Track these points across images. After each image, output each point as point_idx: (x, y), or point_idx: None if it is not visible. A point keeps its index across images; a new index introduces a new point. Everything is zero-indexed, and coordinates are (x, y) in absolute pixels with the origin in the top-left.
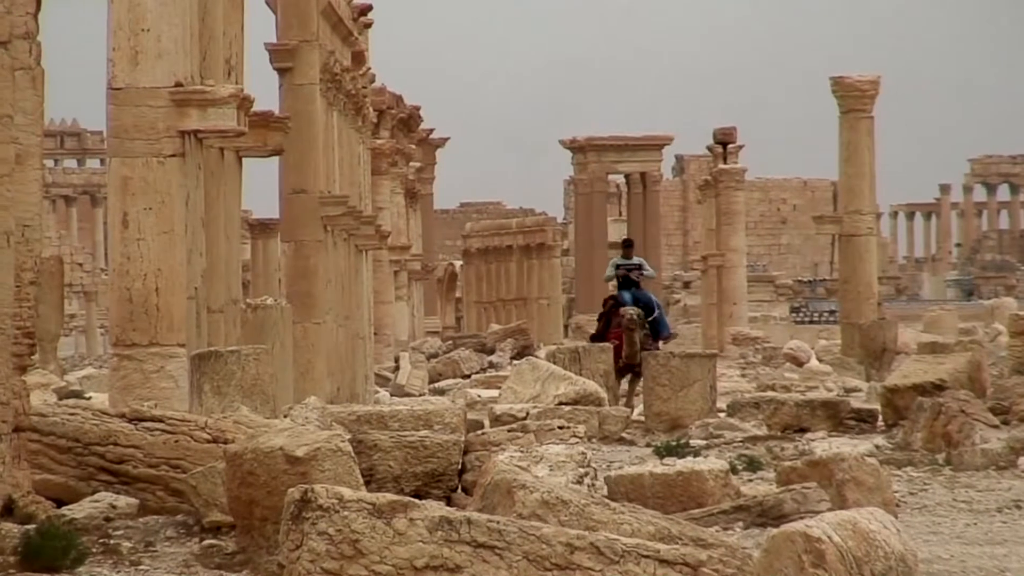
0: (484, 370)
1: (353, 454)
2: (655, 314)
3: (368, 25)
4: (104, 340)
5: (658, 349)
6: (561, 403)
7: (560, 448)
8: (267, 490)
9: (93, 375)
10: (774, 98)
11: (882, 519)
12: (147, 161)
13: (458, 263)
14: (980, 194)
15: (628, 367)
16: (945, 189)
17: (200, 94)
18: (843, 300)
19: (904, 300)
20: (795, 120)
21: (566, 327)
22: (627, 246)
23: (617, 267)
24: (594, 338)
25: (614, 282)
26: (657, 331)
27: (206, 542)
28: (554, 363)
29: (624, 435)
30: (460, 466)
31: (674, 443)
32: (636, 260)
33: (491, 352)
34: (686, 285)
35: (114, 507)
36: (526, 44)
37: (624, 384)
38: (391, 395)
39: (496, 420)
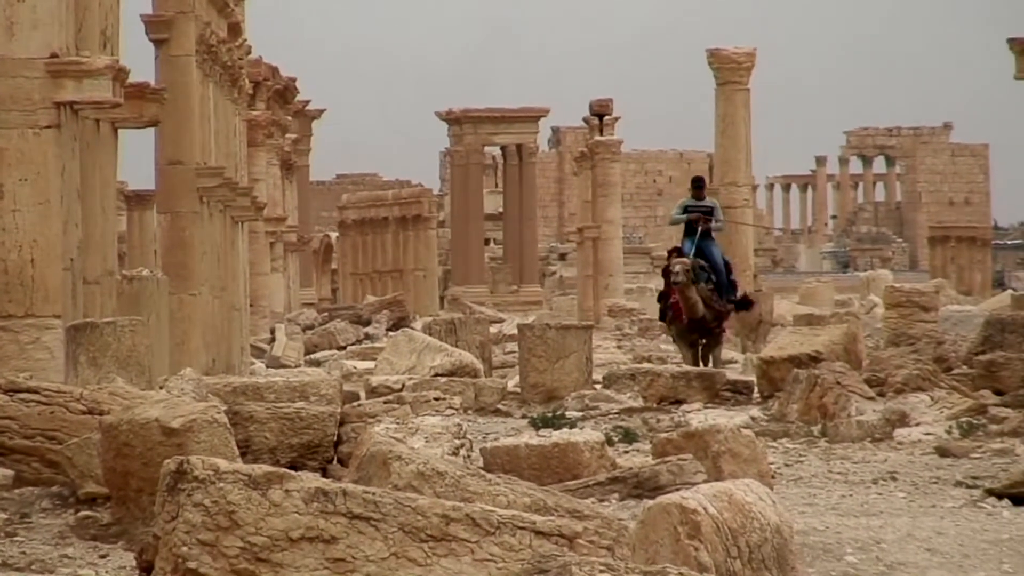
0: (360, 342)
1: (229, 426)
2: (716, 276)
3: None
4: None
5: (725, 310)
6: (437, 375)
7: (436, 420)
8: (143, 461)
9: None
10: (650, 70)
11: (758, 491)
12: (23, 132)
13: (334, 235)
14: (856, 166)
15: (695, 326)
16: (821, 161)
17: (76, 65)
18: None
19: (780, 272)
20: (671, 92)
21: (442, 299)
22: (698, 186)
23: (686, 209)
24: (660, 297)
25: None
26: (719, 293)
27: (81, 513)
28: (430, 335)
29: (500, 407)
30: (336, 438)
31: (550, 415)
32: (709, 202)
33: (367, 324)
34: (562, 257)
35: None
36: (402, 16)
37: (690, 351)
38: (267, 367)
39: (372, 392)
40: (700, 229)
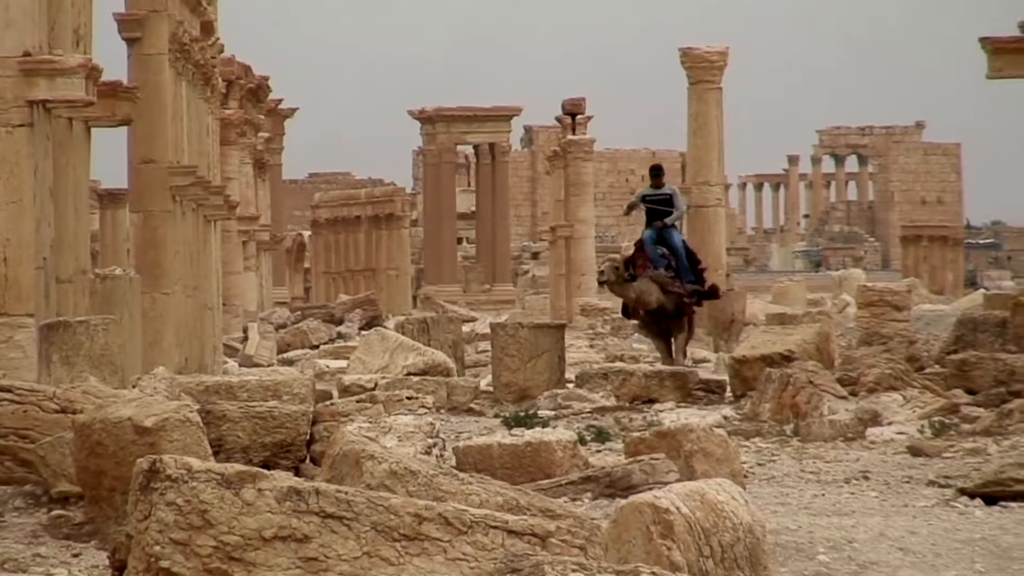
0: (332, 341)
1: (202, 424)
2: (676, 261)
3: None
4: None
5: (687, 294)
6: (410, 373)
7: (409, 419)
8: (115, 460)
9: None
10: (623, 69)
11: (730, 490)
12: None
13: (307, 233)
14: (828, 165)
15: (657, 316)
16: (793, 160)
17: (48, 64)
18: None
19: (753, 271)
20: (644, 91)
21: (415, 298)
22: (656, 175)
23: (644, 198)
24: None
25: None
26: (679, 278)
27: (54, 512)
28: (403, 334)
29: (472, 406)
30: (308, 437)
31: (523, 414)
32: (667, 190)
33: (340, 323)
34: (535, 256)
35: None
36: (375, 16)
37: (661, 341)
38: (239, 365)
39: (345, 391)
40: (658, 224)
